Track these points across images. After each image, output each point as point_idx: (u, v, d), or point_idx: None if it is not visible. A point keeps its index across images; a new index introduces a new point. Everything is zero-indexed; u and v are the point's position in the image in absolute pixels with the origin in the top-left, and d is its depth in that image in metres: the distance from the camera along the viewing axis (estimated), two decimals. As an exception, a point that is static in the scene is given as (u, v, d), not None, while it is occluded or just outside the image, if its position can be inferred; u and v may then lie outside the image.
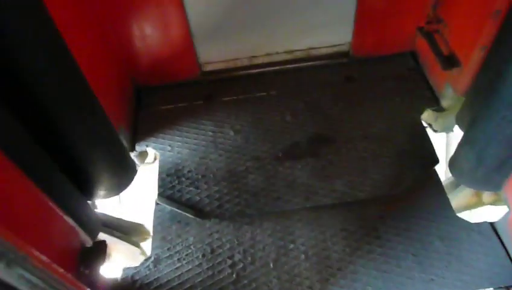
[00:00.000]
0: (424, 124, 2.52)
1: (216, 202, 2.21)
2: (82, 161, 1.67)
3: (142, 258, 2.08)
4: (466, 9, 2.12)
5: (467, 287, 1.86)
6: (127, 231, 2.33)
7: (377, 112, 2.53)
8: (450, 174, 2.02)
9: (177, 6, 2.37)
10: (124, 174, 1.93)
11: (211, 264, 2.00)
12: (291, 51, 2.77)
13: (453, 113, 2.29)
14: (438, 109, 2.50)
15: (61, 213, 1.56)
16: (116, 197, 3.24)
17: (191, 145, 2.48)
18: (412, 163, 2.29)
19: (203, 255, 2.03)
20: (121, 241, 2.27)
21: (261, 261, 1.99)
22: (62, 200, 1.56)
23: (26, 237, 1.34)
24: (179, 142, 2.50)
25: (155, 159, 2.68)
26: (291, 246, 2.04)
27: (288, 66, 2.80)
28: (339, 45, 2.77)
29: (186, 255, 2.04)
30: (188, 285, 1.94)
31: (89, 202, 1.91)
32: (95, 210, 2.36)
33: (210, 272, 1.97)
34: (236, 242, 2.06)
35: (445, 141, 2.61)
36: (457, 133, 2.29)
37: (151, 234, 2.17)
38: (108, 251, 2.29)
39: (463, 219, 2.07)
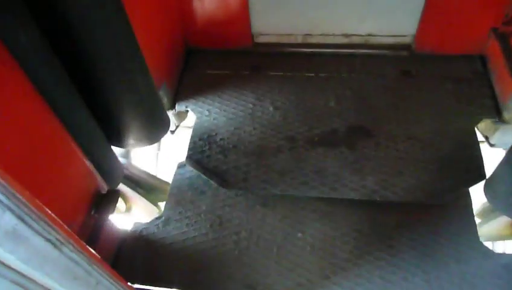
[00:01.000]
0: (479, 136, 2.32)
1: (242, 175, 2.19)
2: (115, 106, 1.69)
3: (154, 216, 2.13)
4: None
5: None
6: (150, 189, 2.39)
7: (428, 113, 2.36)
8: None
9: (238, -29, 2.31)
10: (155, 127, 1.95)
11: (216, 236, 2.00)
12: (349, 35, 2.63)
13: (515, 128, 2.09)
14: (499, 121, 2.29)
15: (82, 157, 1.61)
16: (154, 154, 3.35)
17: (228, 113, 2.46)
18: (453, 174, 2.11)
19: (211, 226, 2.04)
20: (142, 197, 2.34)
21: (266, 244, 1.96)
22: (86, 144, 1.61)
23: (41, 172, 1.40)
24: (218, 108, 2.49)
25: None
26: (299, 235, 1.98)
27: (342, 50, 2.67)
28: (401, 35, 2.59)
29: (195, 222, 2.06)
30: (191, 251, 1.96)
31: (119, 150, 1.96)
32: (126, 161, 2.44)
33: (214, 243, 1.98)
34: (245, 220, 2.05)
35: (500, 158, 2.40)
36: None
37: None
38: (129, 204, 2.38)
39: (487, 247, 1.90)
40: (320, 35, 2.65)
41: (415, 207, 2.04)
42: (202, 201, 2.13)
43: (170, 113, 2.53)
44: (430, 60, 2.59)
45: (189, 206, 2.12)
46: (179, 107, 2.53)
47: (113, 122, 1.76)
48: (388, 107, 2.41)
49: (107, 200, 1.80)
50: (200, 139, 2.35)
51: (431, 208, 2.03)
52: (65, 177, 1.59)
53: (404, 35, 2.58)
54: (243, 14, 2.57)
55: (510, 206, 1.67)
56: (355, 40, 2.65)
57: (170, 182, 2.28)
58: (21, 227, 0.78)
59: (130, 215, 2.34)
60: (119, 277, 1.24)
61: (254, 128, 2.37)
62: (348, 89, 2.52)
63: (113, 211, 1.82)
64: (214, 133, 2.37)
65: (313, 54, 2.71)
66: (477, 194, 2.03)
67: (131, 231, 2.05)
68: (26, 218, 0.79)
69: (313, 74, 2.63)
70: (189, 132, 2.45)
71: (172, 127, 2.60)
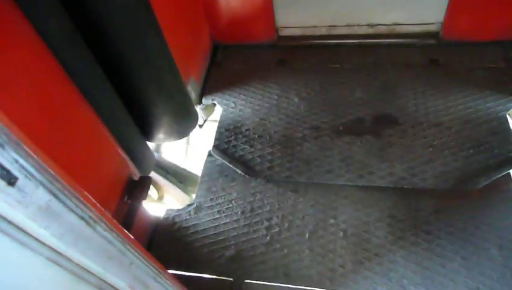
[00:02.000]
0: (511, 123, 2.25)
1: (267, 163, 2.21)
2: (144, 102, 1.76)
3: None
4: None
5: None
6: (181, 180, 2.45)
7: (457, 101, 2.30)
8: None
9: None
10: (184, 122, 2.01)
11: (247, 222, 2.02)
12: (374, 25, 2.61)
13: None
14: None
15: (115, 144, 1.67)
16: (183, 148, 3.42)
17: (254, 105, 2.49)
18: (486, 161, 2.05)
19: (242, 212, 2.06)
20: (174, 185, 2.39)
21: (298, 230, 1.96)
22: (120, 134, 1.68)
23: (76, 157, 1.46)
24: (243, 100, 2.53)
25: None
26: (332, 221, 1.97)
27: (368, 40, 2.66)
28: (428, 23, 2.54)
29: (227, 208, 2.08)
30: (222, 237, 1.98)
31: (150, 144, 2.02)
32: (157, 154, 2.52)
33: (245, 229, 1.99)
34: (277, 206, 2.05)
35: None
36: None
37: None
38: (161, 192, 2.44)
39: None
40: (345, 26, 2.65)
41: (452, 193, 1.98)
42: (233, 188, 2.15)
43: (198, 108, 2.59)
44: (458, 47, 2.53)
45: (221, 193, 2.15)
46: (206, 101, 2.59)
47: (143, 117, 1.83)
48: (416, 96, 2.37)
49: (139, 186, 1.84)
50: (226, 130, 2.39)
51: (469, 194, 1.97)
52: (99, 163, 1.65)
53: (431, 23, 2.54)
54: (267, 9, 2.60)
55: None
56: (381, 29, 2.62)
57: (200, 174, 2.33)
58: (54, 203, 0.78)
59: (162, 203, 2.40)
60: (154, 259, 1.23)
61: (279, 119, 2.39)
62: (375, 79, 2.50)
63: (145, 197, 1.86)
64: (240, 124, 2.41)
65: (337, 45, 2.70)
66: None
67: (163, 217, 2.10)
68: (59, 194, 0.79)
69: (338, 66, 2.62)
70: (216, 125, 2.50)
71: (200, 122, 2.65)
